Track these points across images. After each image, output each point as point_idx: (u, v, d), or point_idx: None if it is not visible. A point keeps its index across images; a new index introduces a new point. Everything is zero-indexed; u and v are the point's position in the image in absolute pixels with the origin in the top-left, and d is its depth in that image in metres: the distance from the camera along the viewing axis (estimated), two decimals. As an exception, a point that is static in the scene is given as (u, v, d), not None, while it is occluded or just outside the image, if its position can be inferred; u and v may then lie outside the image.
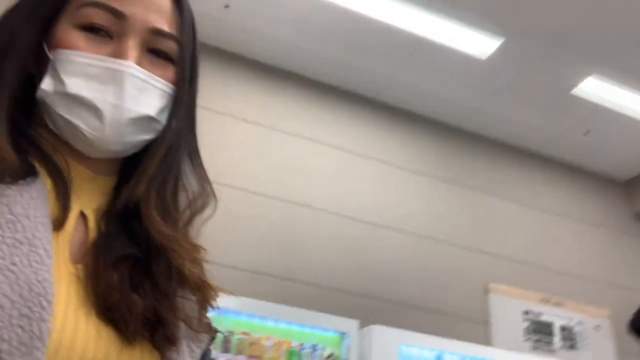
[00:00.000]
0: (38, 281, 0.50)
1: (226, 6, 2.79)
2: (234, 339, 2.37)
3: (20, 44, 0.62)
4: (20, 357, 0.48)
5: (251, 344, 2.39)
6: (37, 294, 0.50)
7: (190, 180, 0.69)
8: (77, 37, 0.62)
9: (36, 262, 0.52)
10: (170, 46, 0.66)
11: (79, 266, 0.60)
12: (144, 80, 0.63)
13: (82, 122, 0.60)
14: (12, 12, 0.65)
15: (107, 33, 0.63)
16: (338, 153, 3.20)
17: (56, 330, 0.52)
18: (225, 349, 2.33)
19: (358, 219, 3.06)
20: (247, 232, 2.78)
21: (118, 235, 0.64)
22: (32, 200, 0.55)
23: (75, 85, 0.60)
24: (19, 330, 0.48)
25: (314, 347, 2.50)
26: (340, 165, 3.17)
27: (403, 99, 3.38)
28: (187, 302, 0.65)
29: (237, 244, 2.70)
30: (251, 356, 2.36)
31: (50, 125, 0.63)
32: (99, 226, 0.64)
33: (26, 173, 0.57)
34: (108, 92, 0.61)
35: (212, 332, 0.68)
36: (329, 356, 2.50)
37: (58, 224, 0.59)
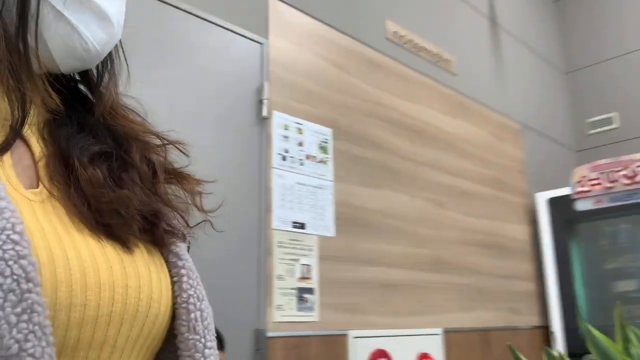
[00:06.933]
0: None
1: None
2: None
3: None
4: (13, 308, 0.38)
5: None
6: (0, 230, 0.40)
7: None
8: None
9: None
10: None
11: (39, 189, 0.49)
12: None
13: (89, 32, 0.53)
14: None
15: None
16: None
17: (43, 264, 0.42)
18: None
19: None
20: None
21: (80, 136, 0.55)
22: None
23: None
24: None
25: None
26: None
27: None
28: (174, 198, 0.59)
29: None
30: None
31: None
32: (44, 140, 0.54)
33: None
34: (115, 6, 0.55)
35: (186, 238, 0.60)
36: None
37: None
